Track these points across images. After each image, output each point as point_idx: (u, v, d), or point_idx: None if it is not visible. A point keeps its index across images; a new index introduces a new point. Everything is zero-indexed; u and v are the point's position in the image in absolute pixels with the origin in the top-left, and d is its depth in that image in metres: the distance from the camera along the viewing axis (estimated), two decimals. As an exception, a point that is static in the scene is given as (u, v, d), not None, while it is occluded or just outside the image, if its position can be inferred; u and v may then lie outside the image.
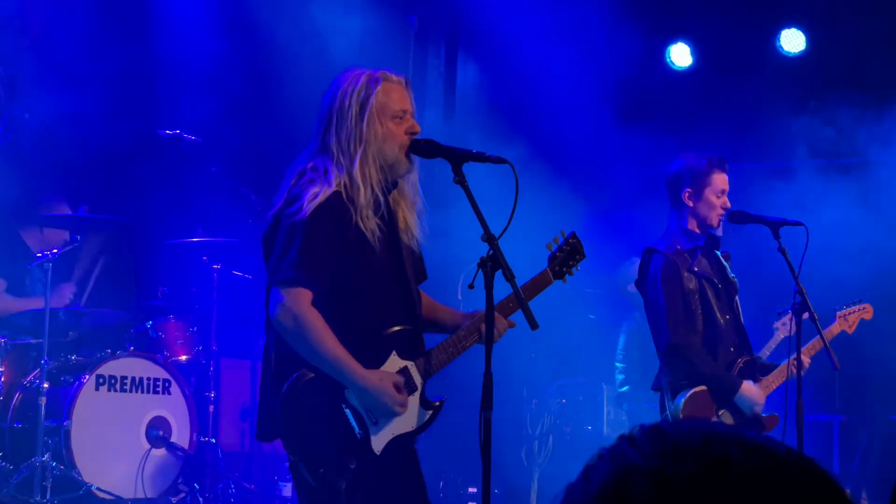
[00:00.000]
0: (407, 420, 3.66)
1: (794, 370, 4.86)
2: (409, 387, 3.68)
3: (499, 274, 3.38)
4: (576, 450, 7.50)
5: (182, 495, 6.38)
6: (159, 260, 7.31)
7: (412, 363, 3.70)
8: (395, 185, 3.73)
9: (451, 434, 7.73)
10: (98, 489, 5.95)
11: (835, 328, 5.33)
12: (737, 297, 5.12)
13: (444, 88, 9.02)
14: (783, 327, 5.23)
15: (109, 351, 6.32)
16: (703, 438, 0.99)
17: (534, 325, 3.36)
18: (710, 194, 5.02)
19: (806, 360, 5.00)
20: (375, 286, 3.64)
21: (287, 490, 6.94)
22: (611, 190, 8.64)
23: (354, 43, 7.88)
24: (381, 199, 3.66)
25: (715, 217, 5.03)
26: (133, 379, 6.28)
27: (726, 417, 4.97)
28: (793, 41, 8.40)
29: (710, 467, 0.97)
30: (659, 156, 7.26)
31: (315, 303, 3.53)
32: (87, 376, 6.13)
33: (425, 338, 3.83)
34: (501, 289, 3.44)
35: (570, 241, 3.94)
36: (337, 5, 7.91)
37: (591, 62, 8.33)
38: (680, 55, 8.77)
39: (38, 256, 6.17)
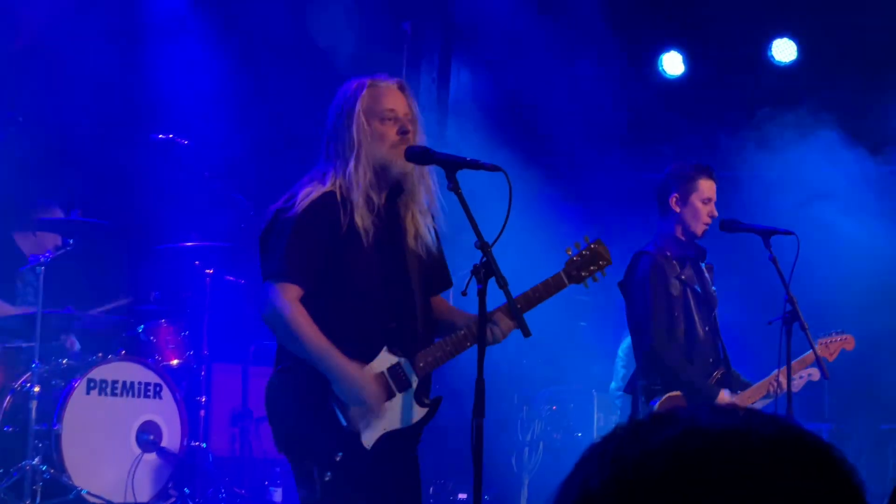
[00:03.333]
0: (395, 417, 3.67)
1: (776, 386, 4.89)
2: (401, 383, 3.69)
3: (492, 281, 3.39)
4: (566, 456, 7.49)
5: (172, 500, 6.36)
6: (152, 264, 7.29)
7: (406, 360, 3.71)
8: (399, 187, 3.76)
9: (440, 439, 7.74)
10: (88, 493, 5.93)
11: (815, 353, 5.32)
12: (715, 311, 5.13)
13: (438, 94, 9.02)
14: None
15: (101, 355, 6.31)
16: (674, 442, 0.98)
17: (526, 332, 3.38)
18: (696, 200, 5.02)
19: (798, 382, 5.02)
20: (367, 283, 3.70)
21: (278, 495, 6.92)
22: (604, 196, 8.66)
23: (348, 48, 7.88)
24: (376, 199, 3.71)
25: (700, 225, 5.03)
26: (124, 383, 6.27)
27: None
28: (784, 50, 8.43)
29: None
30: (652, 163, 7.28)
31: (304, 299, 3.63)
32: (79, 380, 6.11)
33: None
34: (495, 297, 3.44)
35: (592, 245, 3.90)
36: (331, 11, 7.92)
37: (583, 70, 8.35)
38: (672, 64, 8.80)
39: (31, 260, 6.16)
